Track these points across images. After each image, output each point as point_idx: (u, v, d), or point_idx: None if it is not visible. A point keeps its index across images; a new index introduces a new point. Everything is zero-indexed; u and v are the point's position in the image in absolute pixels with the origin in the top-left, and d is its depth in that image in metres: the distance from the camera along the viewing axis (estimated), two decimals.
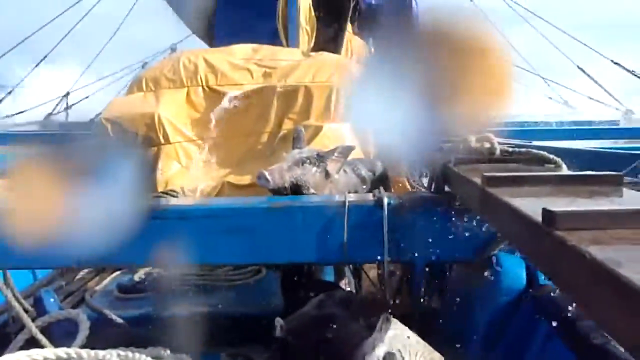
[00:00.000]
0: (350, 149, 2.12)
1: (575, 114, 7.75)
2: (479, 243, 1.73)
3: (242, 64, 3.01)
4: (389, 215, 1.74)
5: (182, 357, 1.69)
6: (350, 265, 2.67)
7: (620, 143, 4.88)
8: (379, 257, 1.78)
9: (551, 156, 1.56)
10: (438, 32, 1.45)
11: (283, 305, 2.38)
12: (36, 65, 7.32)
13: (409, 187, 2.41)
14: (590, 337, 1.33)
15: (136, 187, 1.72)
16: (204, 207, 1.94)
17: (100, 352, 1.59)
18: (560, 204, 0.95)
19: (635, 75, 6.71)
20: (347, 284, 2.89)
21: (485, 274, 1.75)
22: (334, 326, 1.67)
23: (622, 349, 1.11)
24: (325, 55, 3.26)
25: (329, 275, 2.99)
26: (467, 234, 1.70)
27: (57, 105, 7.74)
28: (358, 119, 2.20)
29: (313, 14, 4.23)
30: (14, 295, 1.91)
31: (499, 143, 1.73)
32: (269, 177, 1.96)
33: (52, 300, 2.30)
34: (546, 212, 0.86)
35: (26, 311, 1.92)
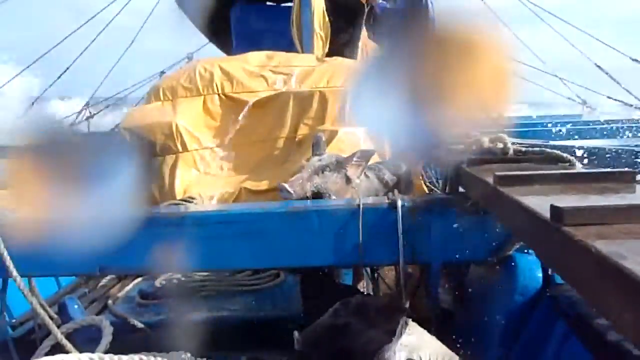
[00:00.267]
0: (370, 153, 2.13)
1: (593, 112, 7.66)
2: (494, 243, 1.73)
3: (257, 71, 3.05)
4: (403, 217, 1.76)
5: None
6: (368, 268, 2.67)
7: None
8: (394, 259, 1.79)
9: (564, 155, 1.56)
10: (454, 35, 1.46)
11: (302, 309, 2.40)
12: (58, 78, 7.45)
13: (425, 188, 2.42)
14: (607, 336, 1.32)
15: (153, 194, 1.76)
16: (221, 213, 1.97)
17: (123, 357, 1.62)
18: (570, 201, 0.96)
19: None
20: (365, 287, 2.90)
21: (501, 273, 1.75)
22: (352, 335, 1.67)
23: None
24: (340, 61, 3.28)
25: (347, 278, 3.00)
26: (482, 235, 1.70)
27: (79, 114, 7.89)
28: (371, 122, 2.21)
29: (327, 19, 4.25)
30: (39, 302, 1.95)
31: (513, 143, 1.73)
32: (290, 190, 1.98)
33: (76, 307, 2.35)
34: (554, 209, 0.87)
35: (51, 318, 1.96)
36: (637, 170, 1.25)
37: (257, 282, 2.72)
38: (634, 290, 0.62)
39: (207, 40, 6.51)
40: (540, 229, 0.93)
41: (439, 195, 1.97)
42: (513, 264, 1.74)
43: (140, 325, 2.29)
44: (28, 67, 6.99)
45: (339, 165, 2.05)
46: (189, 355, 1.71)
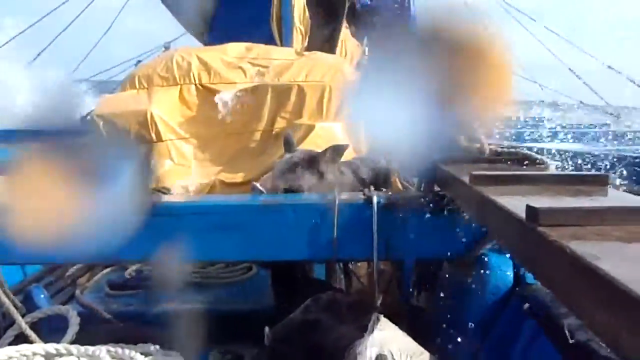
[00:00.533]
0: (342, 148, 2.07)
1: (564, 116, 7.80)
2: (468, 241, 1.74)
3: (235, 62, 3.01)
4: (378, 213, 1.76)
5: (172, 353, 1.70)
6: (340, 264, 2.67)
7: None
8: (368, 255, 1.79)
9: (538, 156, 1.59)
10: (435, 33, 1.46)
11: (274, 303, 2.39)
12: (34, 59, 7.24)
13: (399, 186, 2.42)
14: (576, 335, 1.35)
15: (128, 184, 1.73)
16: (195, 204, 1.94)
17: (90, 348, 1.60)
18: (545, 202, 0.97)
19: (632, 81, 6.76)
20: (337, 282, 2.90)
21: (473, 272, 1.77)
22: (323, 331, 1.67)
23: (606, 347, 1.13)
24: (319, 55, 3.26)
25: (320, 273, 3.00)
26: (455, 233, 1.71)
27: None
28: (352, 118, 2.21)
29: (307, 14, 4.23)
30: (3, 290, 1.91)
31: (489, 144, 1.75)
32: (261, 189, 1.96)
33: (42, 296, 2.30)
34: (529, 209, 0.87)
35: (16, 307, 1.92)
36: (609, 173, 1.27)
37: (229, 275, 2.71)
38: (607, 290, 0.62)
39: (184, 30, 6.42)
40: (515, 229, 0.94)
41: (414, 193, 1.97)
42: (485, 262, 1.76)
43: (108, 316, 2.26)
44: (1, 46, 6.77)
45: (312, 161, 2.02)
46: (157, 347, 1.69)
